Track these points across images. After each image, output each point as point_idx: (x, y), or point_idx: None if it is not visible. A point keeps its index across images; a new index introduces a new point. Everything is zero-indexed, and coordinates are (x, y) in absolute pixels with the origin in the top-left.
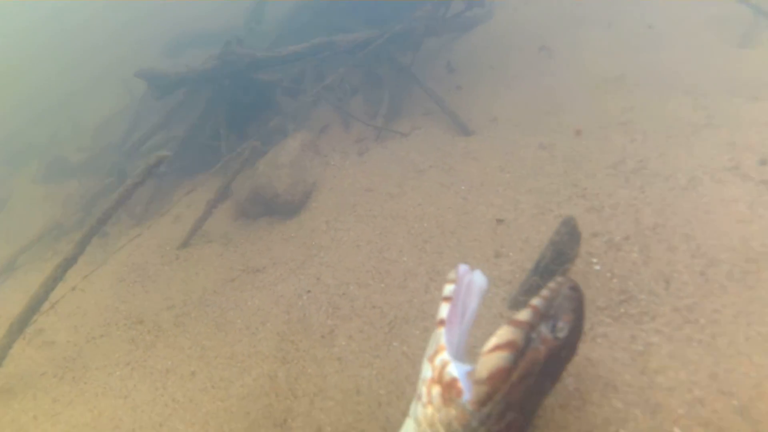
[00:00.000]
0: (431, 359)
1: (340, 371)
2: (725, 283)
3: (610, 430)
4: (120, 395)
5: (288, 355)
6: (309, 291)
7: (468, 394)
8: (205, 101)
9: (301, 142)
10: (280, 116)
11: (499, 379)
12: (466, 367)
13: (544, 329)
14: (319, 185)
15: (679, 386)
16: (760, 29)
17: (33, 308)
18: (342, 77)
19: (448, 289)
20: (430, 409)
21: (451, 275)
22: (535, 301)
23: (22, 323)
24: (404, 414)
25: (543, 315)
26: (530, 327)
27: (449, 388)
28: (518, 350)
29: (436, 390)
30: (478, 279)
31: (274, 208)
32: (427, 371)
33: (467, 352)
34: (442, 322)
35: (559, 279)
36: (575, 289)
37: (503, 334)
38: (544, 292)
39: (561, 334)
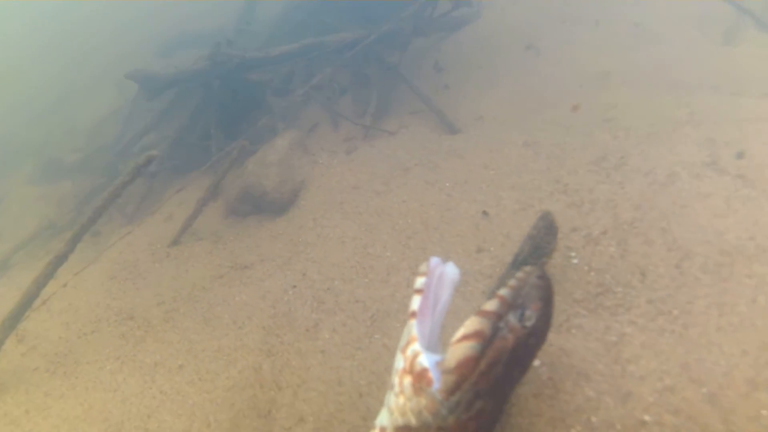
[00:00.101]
0: (403, 350)
1: (323, 363)
2: (699, 276)
3: (582, 418)
4: (110, 389)
5: (273, 348)
6: (295, 286)
7: (437, 384)
8: (196, 101)
9: (290, 141)
10: (269, 116)
11: (466, 368)
12: (437, 358)
13: (512, 318)
14: (307, 183)
15: (650, 375)
16: (742, 27)
17: (25, 305)
18: (330, 77)
19: (420, 281)
20: (402, 399)
21: (423, 268)
22: (502, 291)
23: (14, 320)
24: (383, 404)
25: (510, 304)
26: (497, 317)
27: (420, 378)
28: (485, 339)
29: (408, 380)
30: (450, 271)
31: (263, 206)
32: (400, 362)
33: (444, 344)
34: (413, 314)
35: (527, 269)
36: (543, 278)
37: (470, 324)
38: (512, 282)
39: (529, 323)
